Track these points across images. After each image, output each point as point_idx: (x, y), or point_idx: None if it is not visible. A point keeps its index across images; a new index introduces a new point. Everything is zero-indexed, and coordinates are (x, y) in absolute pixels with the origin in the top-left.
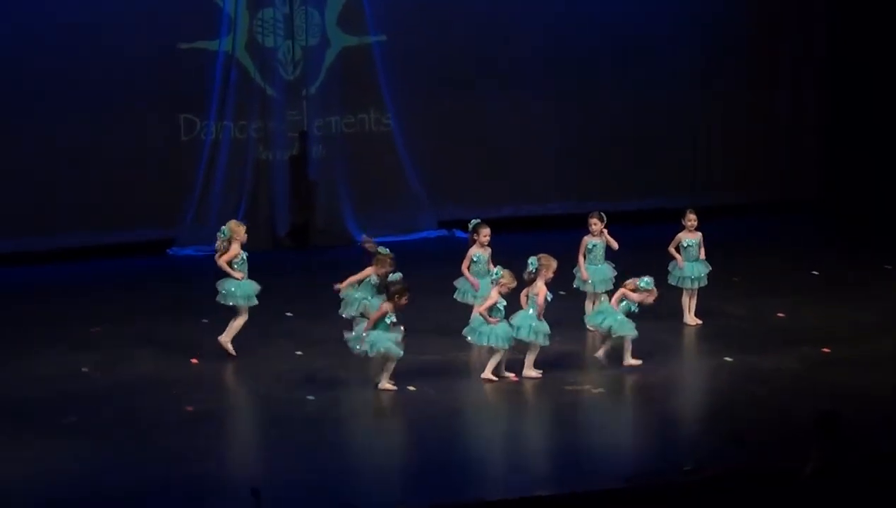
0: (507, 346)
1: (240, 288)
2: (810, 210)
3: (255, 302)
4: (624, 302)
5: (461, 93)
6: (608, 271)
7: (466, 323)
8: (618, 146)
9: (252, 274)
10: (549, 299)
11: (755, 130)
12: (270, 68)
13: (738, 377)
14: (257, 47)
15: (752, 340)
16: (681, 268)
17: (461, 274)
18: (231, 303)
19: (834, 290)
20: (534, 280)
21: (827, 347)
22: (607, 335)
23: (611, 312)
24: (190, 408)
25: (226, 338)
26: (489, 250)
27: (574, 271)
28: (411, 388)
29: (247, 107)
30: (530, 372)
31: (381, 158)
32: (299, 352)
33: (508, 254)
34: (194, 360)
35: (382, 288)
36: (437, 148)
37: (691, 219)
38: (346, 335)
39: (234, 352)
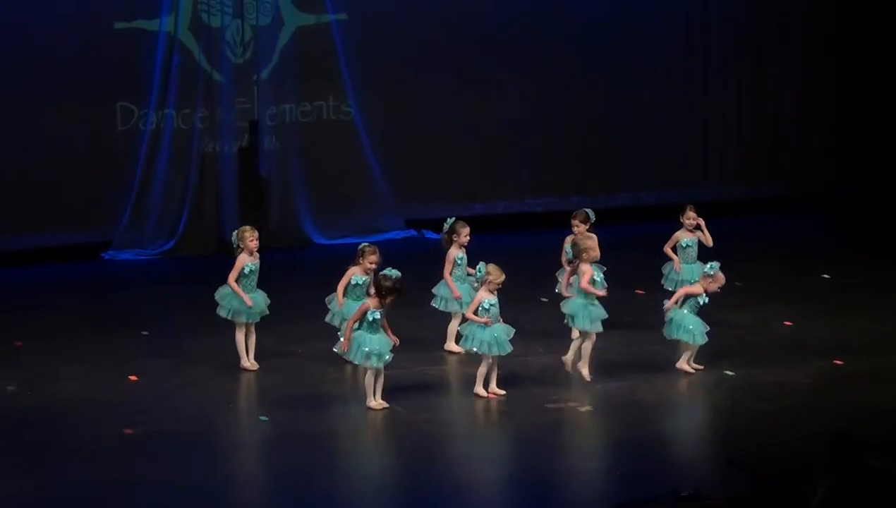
0: (490, 353)
1: (238, 303)
2: (821, 206)
3: (251, 318)
4: (690, 301)
5: (431, 79)
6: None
7: (443, 334)
8: (605, 137)
9: (196, 281)
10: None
11: (759, 119)
12: (217, 50)
13: (740, 393)
14: (202, 27)
15: (756, 352)
16: (677, 271)
17: (435, 280)
18: (229, 318)
19: (847, 296)
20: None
21: (840, 359)
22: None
23: (685, 320)
24: (129, 431)
25: (245, 363)
26: (464, 250)
27: (557, 274)
28: (379, 407)
29: (191, 93)
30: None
31: (342, 151)
32: (253, 367)
33: (482, 257)
34: (133, 377)
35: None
36: (403, 140)
37: (690, 216)
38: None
39: (253, 367)
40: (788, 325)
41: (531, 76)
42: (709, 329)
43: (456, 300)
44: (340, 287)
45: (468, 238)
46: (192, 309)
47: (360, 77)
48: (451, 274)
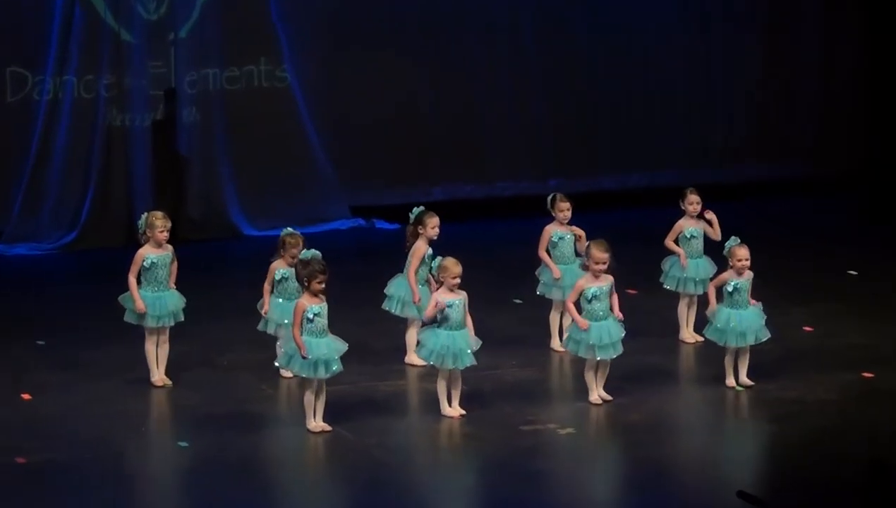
0: (444, 366)
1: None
2: (847, 189)
3: (162, 322)
4: (727, 286)
5: (387, 42)
6: (581, 271)
7: (397, 342)
8: (588, 110)
9: (101, 280)
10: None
11: (772, 86)
12: (126, 5)
13: (751, 412)
14: None
15: (771, 363)
16: (683, 268)
17: (388, 277)
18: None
19: (878, 295)
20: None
21: (869, 371)
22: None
23: (715, 316)
24: (21, 460)
25: (155, 377)
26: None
27: (536, 273)
28: (320, 429)
29: (95, 56)
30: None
31: (276, 125)
32: (162, 384)
33: (443, 250)
34: (25, 396)
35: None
36: (351, 112)
37: (693, 201)
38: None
39: (162, 384)
40: (809, 331)
41: (502, 41)
42: (758, 325)
43: (415, 304)
44: (266, 287)
45: (436, 229)
46: (97, 313)
47: (298, 36)
48: (416, 272)
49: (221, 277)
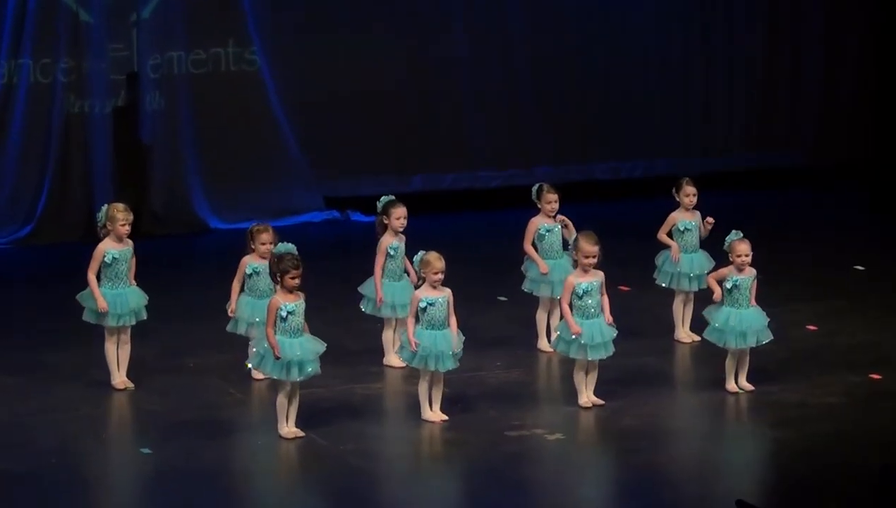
0: (426, 367)
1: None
2: (852, 180)
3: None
4: (726, 283)
5: (363, 23)
6: (570, 267)
7: (373, 343)
8: (579, 94)
9: (58, 276)
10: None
11: (773, 70)
12: None
13: (752, 416)
14: None
15: (774, 364)
16: (675, 262)
17: (365, 273)
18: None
19: (886, 292)
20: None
21: (877, 373)
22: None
23: (714, 315)
24: None
25: (116, 380)
26: (404, 239)
27: (522, 268)
28: (293, 436)
29: (52, 38)
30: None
31: (245, 111)
32: (124, 387)
33: (422, 244)
34: None
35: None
36: (324, 97)
37: (689, 192)
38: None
39: (124, 387)
40: (812, 330)
41: (487, 19)
42: (759, 325)
43: (377, 307)
44: (235, 284)
45: (402, 221)
46: (54, 312)
47: (269, 17)
48: (382, 268)
49: (187, 274)
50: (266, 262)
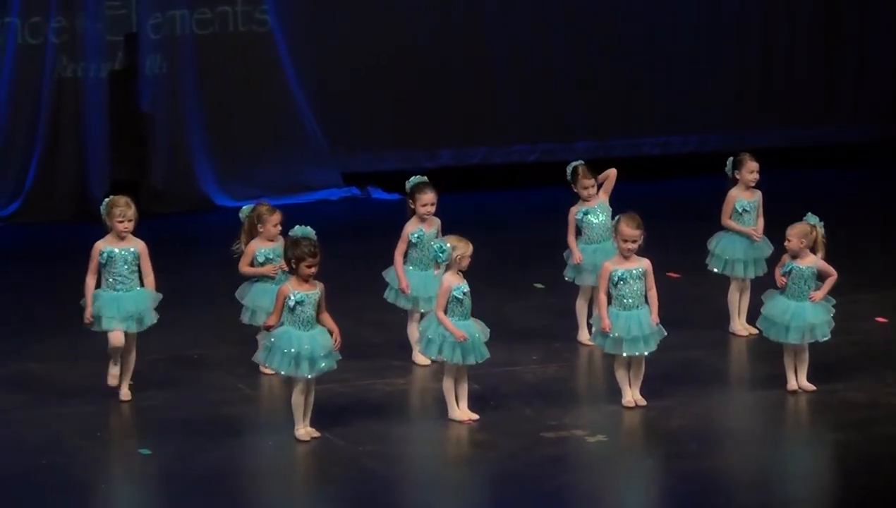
0: (455, 361)
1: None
2: None
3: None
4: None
5: None
6: (613, 251)
7: (397, 335)
8: (623, 62)
9: (49, 257)
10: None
11: (837, 38)
12: None
13: (814, 418)
14: None
15: (838, 360)
16: (758, 239)
17: (387, 258)
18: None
19: None
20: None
21: None
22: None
23: (766, 306)
24: None
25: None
26: (437, 224)
27: (565, 255)
28: (308, 436)
29: None
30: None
31: (255, 77)
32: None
33: (451, 224)
34: None
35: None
36: (343, 62)
37: (752, 169)
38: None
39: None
40: (882, 323)
41: None
42: (819, 320)
43: (403, 294)
44: (245, 268)
45: (428, 208)
46: (44, 297)
47: None
48: (403, 255)
49: (191, 256)
50: (274, 246)
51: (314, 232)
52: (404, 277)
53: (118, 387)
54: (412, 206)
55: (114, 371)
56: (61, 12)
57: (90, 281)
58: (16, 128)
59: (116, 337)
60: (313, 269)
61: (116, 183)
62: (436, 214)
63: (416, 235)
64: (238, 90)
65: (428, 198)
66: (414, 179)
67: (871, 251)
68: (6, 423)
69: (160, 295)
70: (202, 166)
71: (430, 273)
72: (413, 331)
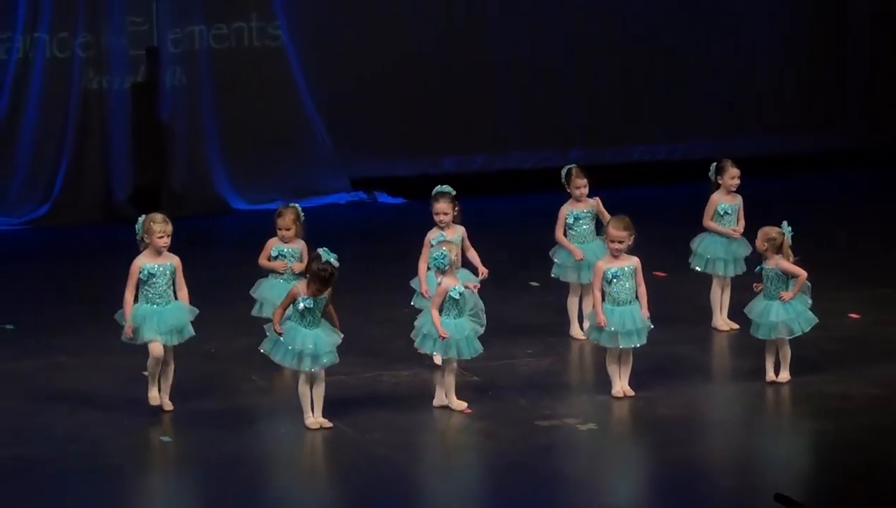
0: (450, 355)
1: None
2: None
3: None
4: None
5: None
6: (602, 251)
7: (400, 329)
8: (615, 74)
9: (76, 258)
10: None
11: (816, 50)
12: None
13: (792, 408)
14: None
15: (814, 354)
16: (736, 235)
17: (392, 257)
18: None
19: None
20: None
21: None
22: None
23: (780, 306)
24: None
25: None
26: (461, 232)
27: (550, 253)
28: (317, 425)
29: (69, 12)
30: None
31: (269, 88)
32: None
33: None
34: None
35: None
36: (350, 74)
37: (734, 174)
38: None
39: (157, 403)
40: (855, 319)
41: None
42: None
43: (423, 296)
44: (261, 261)
45: (440, 217)
46: (71, 294)
47: None
48: (426, 262)
49: (208, 255)
50: (289, 246)
51: (337, 259)
52: (425, 282)
53: (160, 402)
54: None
55: (153, 392)
56: (87, 28)
57: (129, 296)
58: (45, 137)
59: (156, 348)
60: (322, 293)
61: (139, 188)
62: (424, 218)
63: (437, 240)
64: (252, 101)
65: (440, 206)
66: (438, 188)
67: (847, 252)
68: (38, 412)
69: (196, 310)
70: (219, 172)
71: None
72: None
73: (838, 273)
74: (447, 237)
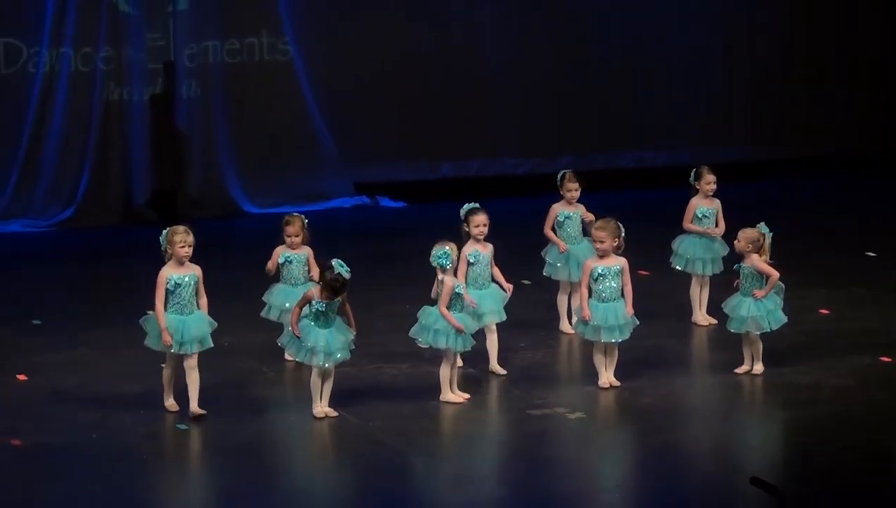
0: (454, 347)
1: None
2: (866, 169)
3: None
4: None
5: (390, 13)
6: (589, 251)
7: (400, 324)
8: (603, 83)
9: (98, 258)
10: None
11: (794, 63)
12: None
13: (765, 397)
14: None
15: (786, 347)
16: (715, 235)
17: (392, 260)
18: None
19: None
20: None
21: (888, 355)
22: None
23: (752, 303)
24: (16, 442)
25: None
26: (491, 248)
27: (542, 253)
28: (324, 415)
29: (92, 28)
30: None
31: (278, 100)
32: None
33: (445, 232)
34: (21, 376)
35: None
36: (354, 86)
37: (710, 180)
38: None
39: (176, 409)
40: (825, 314)
41: (513, 10)
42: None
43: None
44: (272, 264)
45: (480, 229)
46: (94, 292)
47: (301, 8)
48: (465, 276)
49: (221, 255)
50: (296, 252)
51: (349, 272)
52: (472, 300)
53: (190, 407)
54: (466, 229)
55: (170, 400)
56: (109, 43)
57: (160, 305)
58: (69, 145)
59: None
60: (334, 300)
61: (156, 192)
62: (440, 221)
63: (473, 255)
64: (263, 111)
65: (480, 219)
66: (468, 205)
67: (818, 252)
68: (62, 401)
69: (216, 324)
70: (231, 178)
71: (491, 290)
72: (493, 343)
73: (809, 272)
74: (482, 252)
